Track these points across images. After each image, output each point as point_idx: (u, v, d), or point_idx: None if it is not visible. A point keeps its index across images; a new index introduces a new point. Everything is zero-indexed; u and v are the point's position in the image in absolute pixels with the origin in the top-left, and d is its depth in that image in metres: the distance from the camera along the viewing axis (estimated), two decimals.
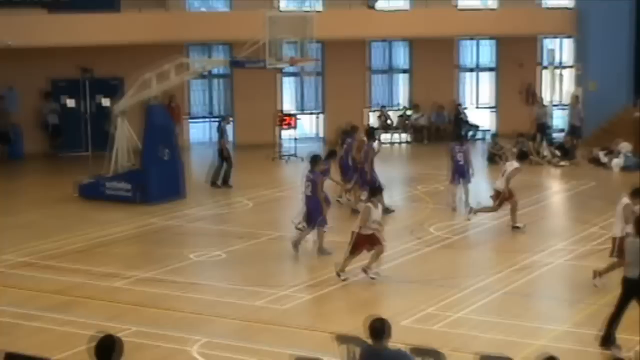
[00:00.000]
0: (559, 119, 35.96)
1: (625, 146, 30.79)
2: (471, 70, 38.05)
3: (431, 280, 17.45)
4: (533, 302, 16.59)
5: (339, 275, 17.45)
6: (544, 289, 17.41)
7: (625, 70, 34.42)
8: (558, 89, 36.54)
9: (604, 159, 30.48)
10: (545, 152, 31.75)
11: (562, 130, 35.00)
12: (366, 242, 17.38)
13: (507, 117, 36.75)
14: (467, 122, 36.49)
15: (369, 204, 17.46)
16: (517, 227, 21.36)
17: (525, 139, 31.89)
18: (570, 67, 36.73)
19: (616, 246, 16.54)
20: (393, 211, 23.03)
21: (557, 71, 36.34)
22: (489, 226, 22.07)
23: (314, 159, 19.90)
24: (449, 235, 21.02)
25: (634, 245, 13.69)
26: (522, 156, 22.97)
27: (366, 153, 23.41)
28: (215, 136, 29.95)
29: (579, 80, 35.30)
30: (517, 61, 36.62)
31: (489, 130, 36.46)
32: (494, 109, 37.87)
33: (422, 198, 24.83)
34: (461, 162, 23.65)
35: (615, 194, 24.94)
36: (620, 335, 14.18)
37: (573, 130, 33.01)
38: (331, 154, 23.00)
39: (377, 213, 17.40)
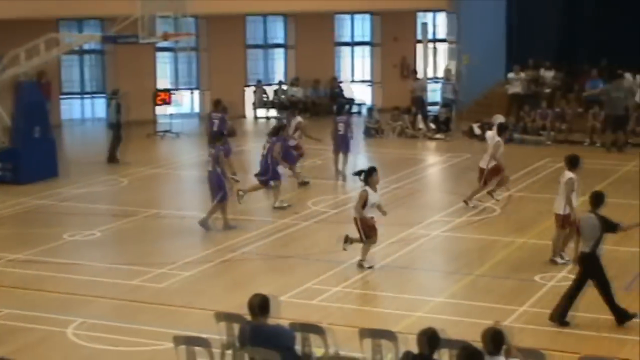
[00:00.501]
0: (435, 93, 36.42)
1: (498, 118, 31.34)
2: (349, 44, 38.26)
3: (310, 255, 17.52)
4: (411, 274, 16.78)
5: (361, 265, 16.64)
6: (421, 261, 17.62)
7: (500, 45, 34.97)
8: (434, 63, 36.99)
9: (477, 131, 31.00)
10: (421, 125, 32.18)
11: (438, 104, 35.45)
12: (367, 227, 16.56)
13: (385, 91, 37.16)
14: (343, 96, 36.69)
15: (366, 188, 16.51)
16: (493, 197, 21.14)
17: (401, 113, 32.27)
18: (446, 41, 37.20)
19: (560, 222, 16.53)
20: (308, 182, 23.66)
21: (433, 45, 36.80)
22: None
23: (216, 135, 19.86)
24: (326, 210, 21.11)
25: (588, 221, 13.71)
26: (501, 129, 21.70)
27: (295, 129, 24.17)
28: (102, 113, 29.47)
29: (454, 54, 35.76)
30: (395, 36, 37.05)
31: (364, 104, 36.79)
32: (372, 84, 38.17)
33: (299, 173, 24.85)
34: (341, 132, 24.41)
35: None
36: (499, 305, 14.51)
37: (449, 104, 33.47)
38: (280, 129, 22.60)
39: (375, 197, 16.57)
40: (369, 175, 16.61)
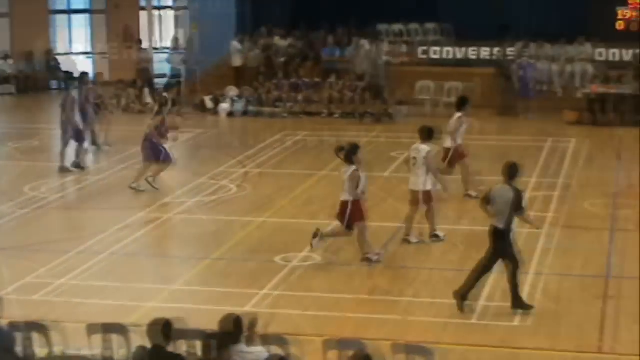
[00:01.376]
0: (162, 64, 36.25)
1: (231, 90, 31.65)
2: (66, 12, 37.49)
3: (29, 246, 17.09)
4: (143, 261, 16.69)
5: (368, 260, 15.72)
6: (153, 247, 17.56)
7: (232, 13, 35.17)
8: (160, 31, 36.81)
9: (209, 104, 31.14)
10: (149, 99, 31.95)
11: (167, 76, 35.35)
12: (358, 213, 15.69)
13: (107, 63, 36.67)
14: (61, 69, 35.94)
15: (357, 167, 15.63)
16: (470, 196, 19.57)
17: (127, 86, 31.97)
18: (173, 8, 37.12)
19: (421, 199, 16.60)
20: (83, 168, 23.01)
21: (158, 13, 36.62)
22: (90, 183, 21.92)
23: None
24: (46, 195, 20.62)
25: (502, 192, 13.55)
26: (462, 103, 20.13)
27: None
28: None
29: (182, 23, 35.73)
30: (116, 2, 36.65)
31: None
32: (92, 55, 37.58)
33: (14, 155, 24.21)
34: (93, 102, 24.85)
35: (223, 140, 25.75)
36: (239, 290, 14.62)
37: (178, 76, 33.43)
38: (163, 104, 21.68)
39: (364, 178, 15.75)
40: (353, 154, 15.75)
